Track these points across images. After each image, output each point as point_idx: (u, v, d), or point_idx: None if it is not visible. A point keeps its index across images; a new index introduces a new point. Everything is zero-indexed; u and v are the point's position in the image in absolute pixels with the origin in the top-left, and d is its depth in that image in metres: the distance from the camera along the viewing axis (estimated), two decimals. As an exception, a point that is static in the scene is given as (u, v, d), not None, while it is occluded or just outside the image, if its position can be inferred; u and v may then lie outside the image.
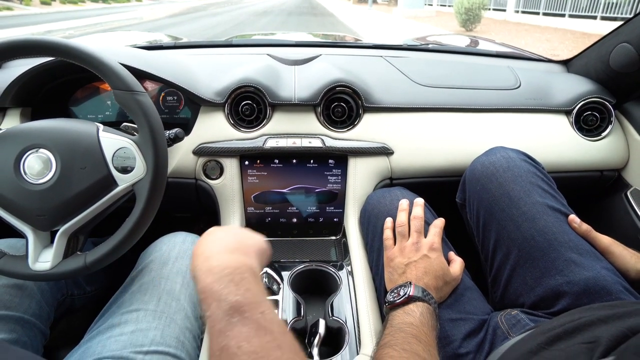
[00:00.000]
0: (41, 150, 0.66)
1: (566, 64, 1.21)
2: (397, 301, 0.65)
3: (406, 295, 0.65)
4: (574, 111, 1.02)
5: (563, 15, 10.83)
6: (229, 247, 0.49)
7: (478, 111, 1.02)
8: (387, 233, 0.79)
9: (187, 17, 17.29)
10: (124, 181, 0.68)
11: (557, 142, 1.01)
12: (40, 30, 10.95)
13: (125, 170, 0.68)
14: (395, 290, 0.68)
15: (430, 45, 1.36)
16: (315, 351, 0.68)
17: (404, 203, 0.82)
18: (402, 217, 0.79)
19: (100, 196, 0.67)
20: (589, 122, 1.03)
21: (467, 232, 0.89)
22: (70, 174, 0.66)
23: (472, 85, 1.06)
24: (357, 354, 0.68)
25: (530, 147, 0.90)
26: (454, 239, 0.84)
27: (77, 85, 1.03)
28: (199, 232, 0.91)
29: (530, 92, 1.06)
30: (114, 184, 0.68)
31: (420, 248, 0.74)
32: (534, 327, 0.64)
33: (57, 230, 0.68)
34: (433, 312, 0.64)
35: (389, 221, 0.81)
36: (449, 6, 17.76)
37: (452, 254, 0.78)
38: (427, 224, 0.80)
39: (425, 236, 0.77)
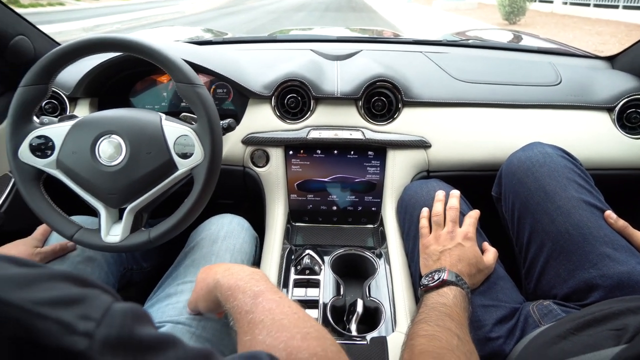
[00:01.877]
0: (113, 136, 0.74)
1: (611, 60, 1.19)
2: (432, 284, 0.70)
3: (440, 279, 0.69)
4: (617, 108, 1.02)
5: (616, 7, 10.25)
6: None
7: (517, 107, 1.03)
8: (423, 222, 0.83)
9: (226, 11, 17.62)
10: (183, 165, 0.75)
11: (598, 139, 1.01)
12: (90, 25, 11.48)
13: (184, 155, 0.75)
14: (430, 275, 0.72)
15: (469, 41, 1.37)
16: (353, 327, 0.73)
17: (440, 194, 0.85)
18: (438, 207, 0.83)
19: (162, 178, 0.75)
20: (632, 119, 1.02)
21: (501, 225, 0.92)
22: (138, 158, 0.74)
23: (511, 81, 1.07)
24: (393, 331, 0.73)
25: (569, 144, 0.91)
26: (488, 231, 0.87)
27: (137, 79, 1.12)
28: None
29: (571, 89, 1.06)
30: (174, 168, 0.75)
31: (455, 237, 0.78)
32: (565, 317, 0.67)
33: (125, 208, 0.77)
34: (465, 296, 0.68)
35: (425, 211, 0.85)
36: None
37: (486, 244, 0.81)
38: (462, 215, 0.83)
39: (460, 226, 0.81)
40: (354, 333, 0.72)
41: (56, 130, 0.76)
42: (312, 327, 0.45)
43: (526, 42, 1.50)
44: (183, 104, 1.11)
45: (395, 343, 0.68)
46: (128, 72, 1.09)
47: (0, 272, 0.21)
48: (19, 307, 0.19)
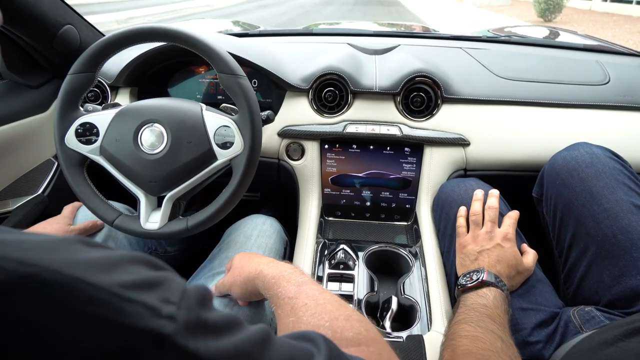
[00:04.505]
0: (155, 124, 0.76)
1: (663, 59, 1.14)
2: (470, 284, 0.68)
3: (479, 280, 0.68)
4: (669, 110, 0.97)
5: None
6: None
7: (562, 106, 1.00)
8: (461, 221, 0.82)
9: (256, 5, 17.69)
10: (222, 156, 0.76)
11: None
12: (123, 17, 11.74)
13: (224, 146, 0.76)
14: (468, 275, 0.71)
15: (511, 37, 1.33)
16: (387, 324, 0.73)
17: (478, 193, 0.84)
18: (476, 206, 0.81)
19: (202, 168, 0.76)
20: (685, 121, 0.97)
21: (540, 227, 0.89)
22: (179, 147, 0.75)
23: (556, 79, 1.04)
24: (429, 330, 0.72)
25: (618, 146, 0.87)
26: (527, 233, 0.84)
27: (175, 70, 1.14)
28: (266, 213, 0.99)
29: (621, 89, 1.01)
30: (214, 157, 0.76)
31: (494, 237, 0.76)
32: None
33: (164, 196, 0.78)
34: (505, 298, 0.66)
35: (462, 209, 0.83)
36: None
37: (525, 246, 0.79)
38: (501, 215, 0.81)
39: (499, 227, 0.79)
40: (388, 330, 0.72)
41: (101, 118, 0.78)
42: (353, 312, 0.47)
43: (567, 39, 1.44)
44: (220, 97, 1.13)
45: (431, 342, 0.67)
46: (167, 63, 1.11)
47: (82, 255, 0.21)
48: (107, 291, 0.20)
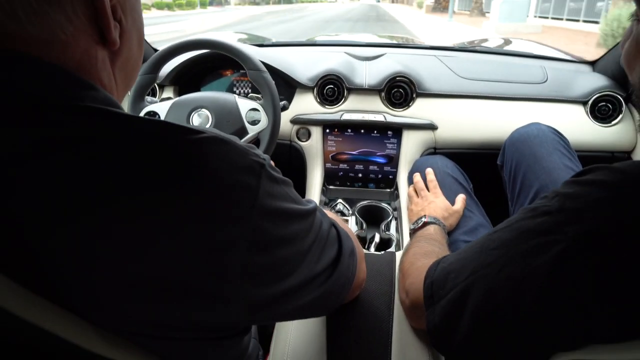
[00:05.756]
0: (202, 109, 1.05)
1: (592, 64, 1.44)
2: (417, 227, 0.95)
3: (422, 222, 0.94)
4: (589, 102, 1.27)
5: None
6: None
7: (509, 99, 1.30)
8: (410, 190, 1.11)
9: (270, 21, 18.00)
10: (252, 130, 1.04)
11: (575, 127, 1.26)
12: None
13: (253, 123, 1.04)
14: (415, 222, 0.97)
15: (475, 47, 1.64)
16: (372, 250, 1.02)
17: (417, 176, 1.12)
18: (417, 178, 1.11)
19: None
20: (602, 111, 1.27)
21: (493, 195, 1.16)
22: (221, 125, 1.04)
23: (506, 79, 1.34)
24: (399, 250, 1.01)
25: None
26: (484, 199, 1.11)
27: (207, 72, 1.44)
28: None
29: (555, 86, 1.31)
30: (245, 132, 1.04)
31: (427, 197, 1.04)
32: None
33: None
34: (443, 230, 0.92)
35: (416, 176, 1.12)
36: (563, 19, 13.76)
37: (458, 197, 1.04)
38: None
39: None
40: (372, 251, 1.01)
41: (160, 107, 1.07)
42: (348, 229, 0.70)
43: (526, 48, 1.75)
44: (239, 92, 1.42)
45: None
46: (202, 67, 1.41)
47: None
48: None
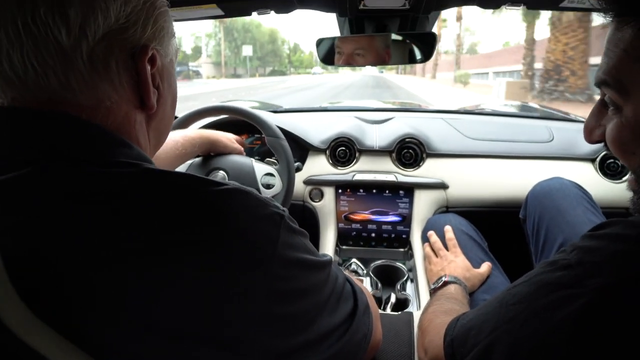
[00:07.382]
0: (220, 171, 1.08)
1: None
2: (437, 286, 0.94)
3: (443, 281, 0.94)
4: (597, 159, 1.29)
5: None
6: None
7: (517, 158, 1.33)
8: (427, 249, 1.11)
9: (293, 89, 18.50)
10: (266, 194, 1.08)
11: (586, 184, 1.27)
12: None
13: (268, 186, 1.08)
14: (436, 281, 0.96)
15: (480, 110, 1.71)
16: (388, 311, 1.00)
17: (433, 235, 1.12)
18: (434, 237, 1.11)
19: None
20: (612, 168, 1.28)
21: (511, 250, 1.15)
22: None
23: (512, 139, 1.38)
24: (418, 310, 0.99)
25: None
26: (500, 255, 1.10)
27: None
28: None
29: (562, 145, 1.35)
30: None
31: (447, 257, 1.04)
32: None
33: None
34: (464, 290, 0.91)
35: (432, 235, 1.12)
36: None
37: (484, 263, 1.04)
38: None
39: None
40: (389, 312, 0.99)
41: (180, 167, 1.12)
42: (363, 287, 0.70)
43: (528, 111, 1.82)
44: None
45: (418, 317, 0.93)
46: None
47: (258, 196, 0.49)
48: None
